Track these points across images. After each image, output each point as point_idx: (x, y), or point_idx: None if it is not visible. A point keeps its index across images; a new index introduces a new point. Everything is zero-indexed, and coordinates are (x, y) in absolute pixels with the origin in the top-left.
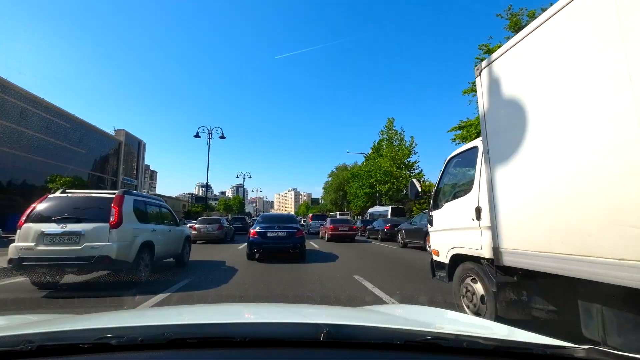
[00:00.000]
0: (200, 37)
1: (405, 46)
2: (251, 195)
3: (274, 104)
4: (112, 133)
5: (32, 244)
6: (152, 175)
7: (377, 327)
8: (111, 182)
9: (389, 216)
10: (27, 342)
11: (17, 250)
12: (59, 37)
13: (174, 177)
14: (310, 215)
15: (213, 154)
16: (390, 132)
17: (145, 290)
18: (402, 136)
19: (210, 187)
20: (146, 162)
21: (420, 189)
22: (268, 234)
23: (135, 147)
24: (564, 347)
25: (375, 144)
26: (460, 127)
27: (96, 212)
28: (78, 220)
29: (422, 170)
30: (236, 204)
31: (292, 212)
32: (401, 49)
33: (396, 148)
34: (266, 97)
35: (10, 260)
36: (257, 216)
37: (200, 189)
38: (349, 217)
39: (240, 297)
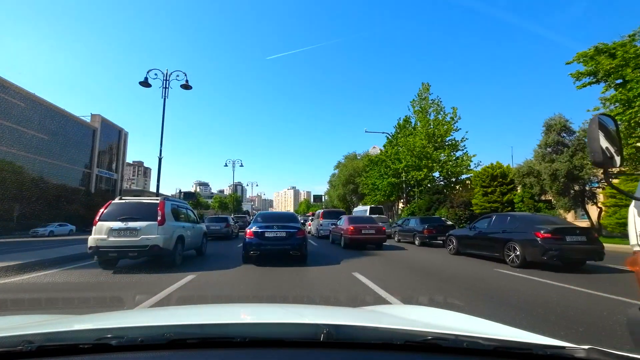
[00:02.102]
0: (201, 32)
1: (409, 39)
2: (249, 194)
3: (271, 102)
4: (88, 119)
5: (105, 236)
6: (146, 172)
7: (377, 328)
8: (83, 174)
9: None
10: (27, 343)
11: (95, 240)
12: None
13: (171, 174)
14: (321, 212)
15: (212, 153)
16: (424, 102)
17: (183, 270)
18: (440, 106)
19: (208, 185)
20: (140, 159)
21: (612, 150)
22: (266, 235)
23: (114, 136)
24: (564, 347)
25: (401, 121)
26: (598, 52)
27: (147, 213)
28: (135, 219)
29: (467, 151)
30: (232, 201)
31: (292, 211)
32: (407, 39)
33: (430, 123)
34: (264, 96)
35: (90, 248)
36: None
37: (198, 186)
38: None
39: (247, 284)
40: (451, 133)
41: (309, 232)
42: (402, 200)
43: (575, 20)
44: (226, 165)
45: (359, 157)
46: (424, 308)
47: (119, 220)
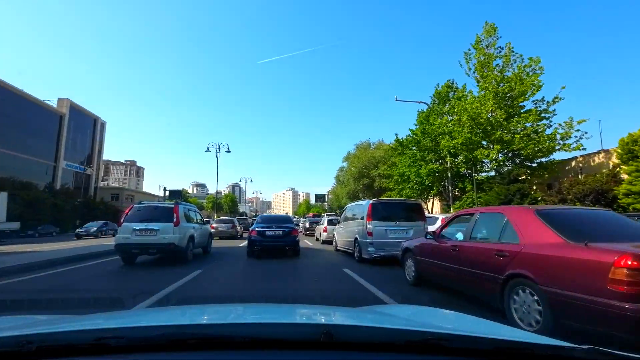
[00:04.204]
0: (207, 30)
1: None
2: (244, 190)
3: (269, 104)
4: (54, 104)
5: (128, 235)
6: (139, 171)
7: (378, 328)
8: (46, 167)
9: None
10: (27, 343)
11: (120, 239)
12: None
13: (169, 174)
14: (370, 204)
15: (210, 154)
16: (489, 50)
17: (193, 266)
18: (514, 55)
19: (205, 186)
20: (132, 158)
21: None
22: (266, 233)
23: (88, 125)
24: (563, 347)
25: (440, 87)
26: None
27: (164, 215)
28: (154, 221)
29: (551, 117)
30: (228, 202)
31: (290, 212)
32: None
33: (500, 80)
34: (261, 97)
35: (117, 245)
36: (253, 216)
37: (195, 187)
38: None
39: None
40: (535, 93)
41: (333, 244)
42: (438, 197)
43: None
44: (208, 151)
45: (373, 146)
46: (424, 308)
47: (140, 221)
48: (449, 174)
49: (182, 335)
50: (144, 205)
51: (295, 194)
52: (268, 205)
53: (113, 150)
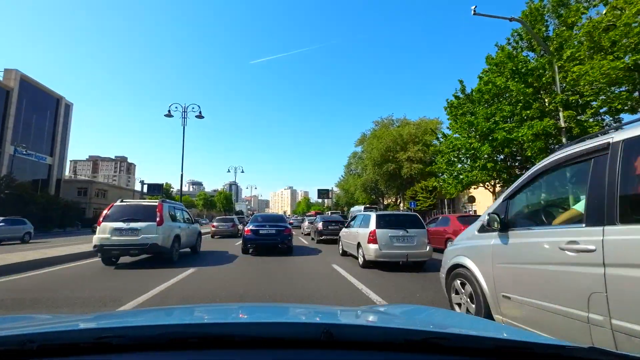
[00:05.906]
0: (199, 28)
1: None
2: (241, 187)
3: (266, 103)
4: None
5: (108, 235)
6: (130, 168)
7: (378, 327)
8: None
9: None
10: (28, 342)
11: (99, 239)
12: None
13: (166, 173)
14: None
15: (205, 152)
16: None
17: (181, 265)
18: None
19: (201, 185)
20: (124, 154)
21: None
22: (260, 232)
23: (48, 105)
24: (564, 346)
25: (534, 3)
26: None
27: (147, 214)
28: (136, 220)
29: None
30: (222, 199)
31: (289, 211)
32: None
33: None
34: (258, 98)
35: (95, 246)
36: (250, 215)
37: (192, 185)
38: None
39: (243, 281)
40: None
41: (453, 295)
42: (499, 184)
43: None
44: (170, 115)
45: (396, 124)
46: (424, 307)
47: (121, 221)
48: (564, 138)
49: (183, 335)
50: (125, 203)
51: (293, 192)
52: (266, 204)
53: (107, 147)
